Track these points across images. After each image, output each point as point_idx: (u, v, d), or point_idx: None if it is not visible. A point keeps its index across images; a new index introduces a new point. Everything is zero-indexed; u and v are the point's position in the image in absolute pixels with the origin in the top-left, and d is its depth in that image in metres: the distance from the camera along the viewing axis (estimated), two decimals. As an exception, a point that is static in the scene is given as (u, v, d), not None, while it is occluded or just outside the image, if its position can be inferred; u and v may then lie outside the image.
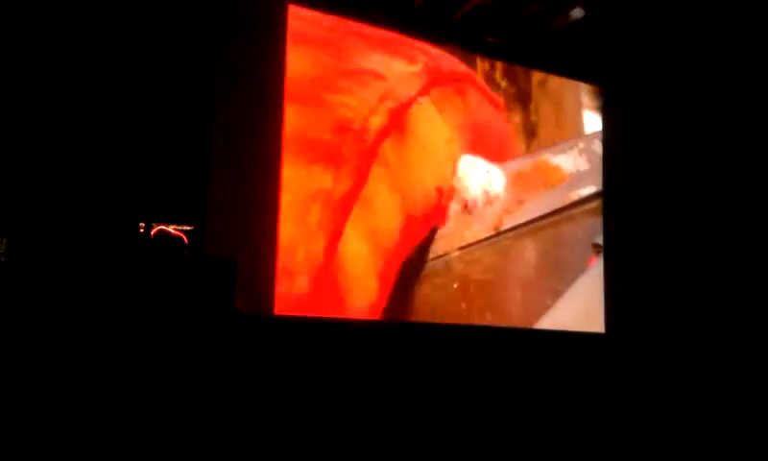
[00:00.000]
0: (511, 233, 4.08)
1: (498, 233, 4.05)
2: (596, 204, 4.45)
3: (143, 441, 2.73)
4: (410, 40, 3.85)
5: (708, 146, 4.31)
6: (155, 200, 3.02)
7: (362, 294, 3.54)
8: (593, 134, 4.51)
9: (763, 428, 3.78)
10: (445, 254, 3.87)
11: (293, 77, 3.45)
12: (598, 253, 4.37)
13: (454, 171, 3.91)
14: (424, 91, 3.82)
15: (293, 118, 3.43)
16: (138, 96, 3.05)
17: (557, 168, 4.33)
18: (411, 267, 3.72)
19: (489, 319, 3.99)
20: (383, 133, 3.64)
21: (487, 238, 4.00)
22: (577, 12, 4.08)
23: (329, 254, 3.42)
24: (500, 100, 4.15)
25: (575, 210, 4.34)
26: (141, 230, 2.91)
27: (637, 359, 4.18)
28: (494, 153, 4.07)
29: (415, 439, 3.40)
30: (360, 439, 3.27)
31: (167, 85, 3.11)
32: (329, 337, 3.36)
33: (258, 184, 3.32)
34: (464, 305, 3.91)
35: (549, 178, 4.29)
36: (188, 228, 2.99)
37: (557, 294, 4.24)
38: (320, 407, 3.23)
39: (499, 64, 4.17)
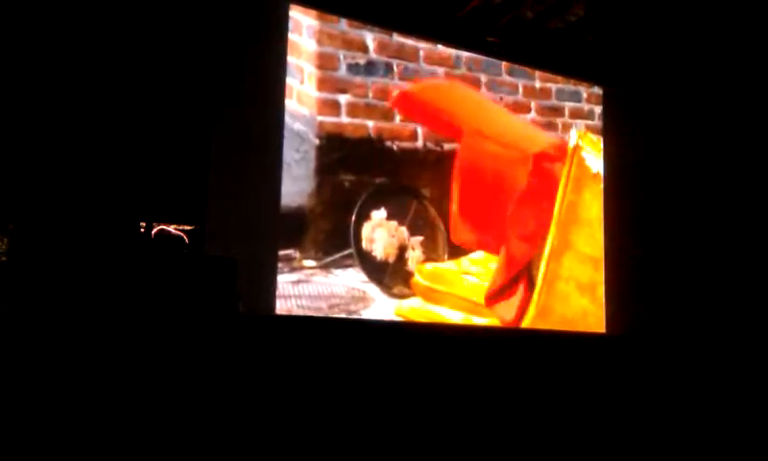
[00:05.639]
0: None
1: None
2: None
3: (144, 440, 2.73)
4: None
5: (710, 146, 4.30)
6: (155, 200, 3.02)
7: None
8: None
9: (763, 428, 3.78)
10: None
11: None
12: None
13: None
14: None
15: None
16: (139, 96, 3.05)
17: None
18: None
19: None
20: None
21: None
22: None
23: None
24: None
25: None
26: (141, 230, 2.91)
27: (637, 359, 4.17)
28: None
29: (416, 439, 3.40)
30: (361, 439, 3.27)
31: (168, 86, 3.11)
32: (330, 337, 3.36)
33: (259, 184, 3.32)
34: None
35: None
36: (188, 228, 2.99)
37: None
38: (320, 407, 3.23)
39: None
